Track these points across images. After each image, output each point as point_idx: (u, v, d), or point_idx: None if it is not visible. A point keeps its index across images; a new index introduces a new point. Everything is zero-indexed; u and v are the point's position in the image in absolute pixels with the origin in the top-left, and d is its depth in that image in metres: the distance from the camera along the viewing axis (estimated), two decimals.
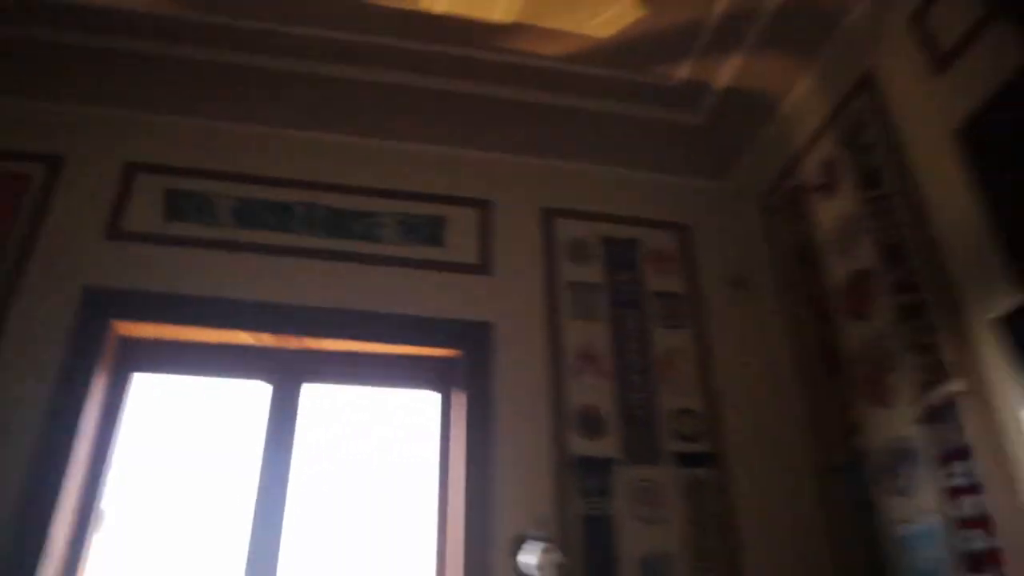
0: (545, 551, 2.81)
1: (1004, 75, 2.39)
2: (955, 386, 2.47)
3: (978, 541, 2.32)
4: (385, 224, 3.41)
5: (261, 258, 3.23)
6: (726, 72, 3.43)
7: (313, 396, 3.23)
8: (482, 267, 3.44)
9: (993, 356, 2.31)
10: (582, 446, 3.11)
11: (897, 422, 2.68)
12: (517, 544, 2.88)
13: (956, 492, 2.42)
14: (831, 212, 3.14)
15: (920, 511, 2.55)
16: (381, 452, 3.23)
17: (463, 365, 3.23)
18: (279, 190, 3.38)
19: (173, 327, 3.13)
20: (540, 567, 2.79)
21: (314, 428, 3.17)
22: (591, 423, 3.15)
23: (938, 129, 2.63)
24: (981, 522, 2.32)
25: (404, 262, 3.36)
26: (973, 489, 2.36)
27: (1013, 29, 2.34)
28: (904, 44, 2.82)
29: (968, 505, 2.37)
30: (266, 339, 3.20)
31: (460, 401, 3.18)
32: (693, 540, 3.01)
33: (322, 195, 3.41)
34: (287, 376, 3.19)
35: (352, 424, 3.28)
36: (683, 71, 3.45)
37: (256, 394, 3.17)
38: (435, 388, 3.30)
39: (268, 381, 3.18)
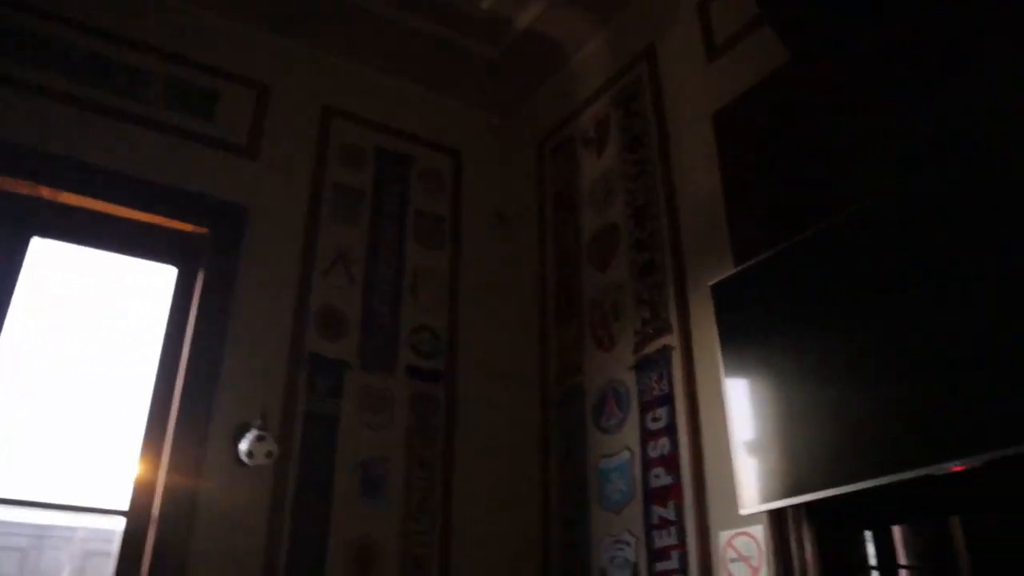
0: (258, 439, 2.81)
1: (760, 74, 2.67)
2: (669, 340, 2.75)
3: (662, 477, 2.63)
4: (153, 84, 3.17)
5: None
6: (528, 14, 3.51)
7: (45, 252, 2.96)
8: (249, 150, 3.30)
9: (704, 317, 2.60)
10: (319, 345, 3.12)
11: (615, 366, 2.94)
12: (239, 431, 2.85)
13: (652, 434, 2.71)
14: (596, 167, 3.34)
15: (620, 447, 2.82)
16: (111, 322, 3.04)
17: (209, 244, 3.11)
18: (34, 20, 3.01)
19: None
20: (250, 454, 2.80)
21: (43, 285, 2.91)
22: (332, 324, 3.16)
23: (699, 110, 2.87)
24: (667, 460, 2.63)
25: (167, 128, 3.15)
26: (666, 432, 2.66)
27: (775, 36, 2.61)
28: (687, 28, 3.04)
29: (660, 446, 2.67)
30: None
31: (200, 280, 3.06)
32: (412, 449, 3.14)
33: (86, 37, 3.09)
34: (11, 224, 2.90)
35: (87, 288, 3.05)
36: (488, 2, 3.48)
37: None
38: (176, 263, 3.14)
39: None
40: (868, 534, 2.54)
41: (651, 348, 2.81)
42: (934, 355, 1.95)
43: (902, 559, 2.86)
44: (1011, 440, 1.79)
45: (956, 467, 1.86)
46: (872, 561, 2.56)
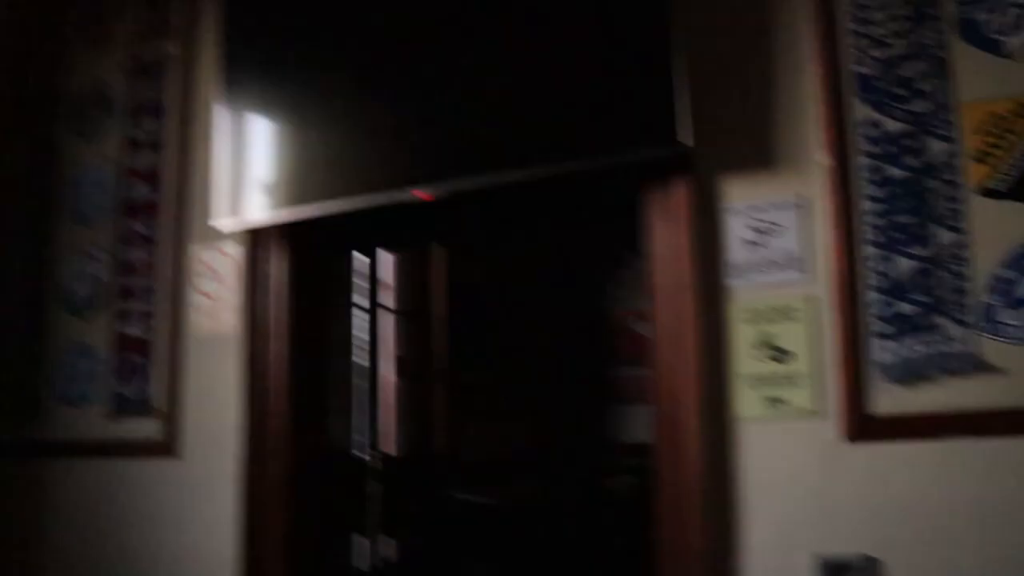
0: None
1: None
2: (171, 47, 2.45)
3: (142, 191, 2.41)
4: None
5: None
6: None
7: None
8: None
9: (211, 26, 2.34)
10: None
11: (105, 68, 2.56)
12: None
13: (137, 145, 2.45)
14: None
15: (98, 157, 2.51)
16: None
17: None
18: None
19: None
20: None
21: None
22: None
23: None
24: (149, 175, 2.41)
25: None
26: (152, 146, 2.42)
27: None
28: None
29: (144, 159, 2.43)
30: None
31: None
32: None
33: None
34: None
35: None
36: None
37: None
38: None
39: None
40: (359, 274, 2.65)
41: (150, 53, 2.48)
42: (414, 90, 1.98)
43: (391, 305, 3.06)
44: (471, 171, 1.91)
45: (419, 193, 1.94)
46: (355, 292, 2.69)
